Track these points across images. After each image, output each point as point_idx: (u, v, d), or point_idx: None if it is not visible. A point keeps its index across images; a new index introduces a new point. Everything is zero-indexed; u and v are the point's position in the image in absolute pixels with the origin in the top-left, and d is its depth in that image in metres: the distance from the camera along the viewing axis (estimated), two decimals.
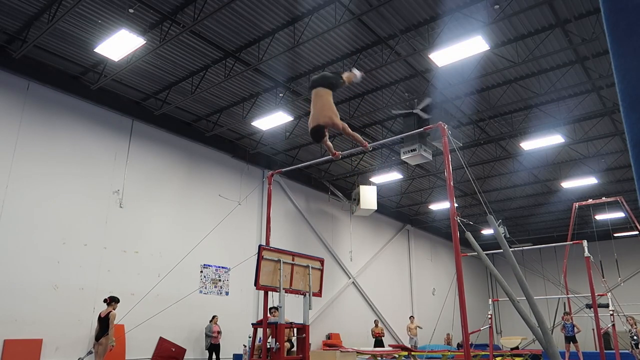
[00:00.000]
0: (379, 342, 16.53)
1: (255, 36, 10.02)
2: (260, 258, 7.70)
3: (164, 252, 12.09)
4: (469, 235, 6.03)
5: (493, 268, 6.57)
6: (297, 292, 8.30)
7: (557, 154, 15.37)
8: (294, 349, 9.34)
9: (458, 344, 19.38)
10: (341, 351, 12.26)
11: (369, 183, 17.10)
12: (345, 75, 5.72)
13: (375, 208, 16.95)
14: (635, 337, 13.15)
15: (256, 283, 7.70)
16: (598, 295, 11.08)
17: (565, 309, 14.53)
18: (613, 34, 0.83)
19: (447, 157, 6.26)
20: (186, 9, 9.08)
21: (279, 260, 7.95)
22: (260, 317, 10.43)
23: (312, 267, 8.52)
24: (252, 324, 9.02)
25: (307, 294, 8.26)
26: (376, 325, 17.24)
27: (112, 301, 8.61)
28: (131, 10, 8.97)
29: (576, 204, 14.44)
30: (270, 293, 8.44)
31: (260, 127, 13.03)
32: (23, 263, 9.70)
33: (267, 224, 8.85)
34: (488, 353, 13.44)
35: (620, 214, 18.05)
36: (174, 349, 11.75)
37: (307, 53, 10.53)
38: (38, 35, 9.18)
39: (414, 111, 12.16)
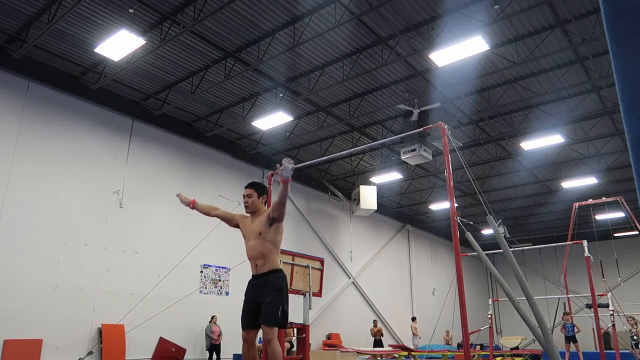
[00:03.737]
0: (378, 342, 16.51)
1: (255, 36, 10.02)
2: None
3: (164, 252, 12.08)
4: (469, 235, 6.02)
5: (493, 268, 6.56)
6: (297, 292, 8.29)
7: (557, 154, 15.37)
8: (294, 349, 9.35)
9: (458, 344, 19.37)
10: (341, 351, 12.25)
11: (369, 183, 17.10)
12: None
13: (375, 208, 16.95)
14: (635, 337, 13.13)
15: None
16: (598, 295, 11.06)
17: (565, 309, 14.51)
18: (613, 34, 0.83)
19: (447, 157, 6.25)
20: (186, 9, 9.08)
21: None
22: None
23: (312, 267, 8.52)
24: None
25: (307, 294, 8.26)
26: (375, 325, 17.22)
27: None
28: (131, 10, 8.97)
29: (576, 204, 14.43)
30: None
31: (260, 127, 13.02)
32: (23, 263, 9.70)
33: None
34: (488, 353, 13.45)
35: (620, 214, 18.04)
36: (174, 349, 11.75)
37: (307, 53, 10.53)
38: (38, 35, 9.18)
39: (414, 110, 12.17)
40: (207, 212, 4.71)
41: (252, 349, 4.21)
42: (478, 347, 16.35)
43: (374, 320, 17.64)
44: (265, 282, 4.13)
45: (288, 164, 4.00)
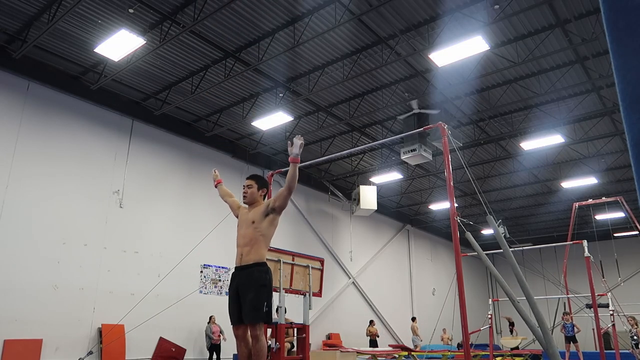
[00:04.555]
0: (373, 343, 16.46)
1: (255, 36, 10.02)
2: None
3: (164, 252, 12.08)
4: (469, 235, 6.02)
5: (493, 268, 6.57)
6: (297, 292, 8.29)
7: (557, 154, 15.37)
8: (294, 349, 9.34)
9: (458, 344, 19.37)
10: (341, 351, 12.25)
11: (369, 183, 17.09)
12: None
13: (375, 208, 16.94)
14: (635, 337, 13.13)
15: None
16: (598, 295, 11.07)
17: (565, 309, 14.52)
18: (613, 34, 0.83)
19: (447, 157, 6.25)
20: (186, 9, 9.08)
21: (279, 260, 7.94)
22: None
23: (312, 267, 8.51)
24: None
25: (307, 294, 8.26)
26: (371, 325, 17.15)
27: None
28: (131, 10, 8.97)
29: (576, 204, 14.43)
30: None
31: (260, 127, 13.02)
32: (23, 263, 9.70)
33: None
34: (488, 353, 13.44)
35: (620, 214, 18.04)
36: (174, 349, 11.75)
37: (307, 53, 10.53)
38: (38, 35, 9.17)
39: (414, 110, 12.18)
40: (223, 196, 4.83)
41: (244, 345, 4.13)
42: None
43: (371, 320, 17.58)
44: (248, 276, 4.02)
45: (298, 140, 4.00)
